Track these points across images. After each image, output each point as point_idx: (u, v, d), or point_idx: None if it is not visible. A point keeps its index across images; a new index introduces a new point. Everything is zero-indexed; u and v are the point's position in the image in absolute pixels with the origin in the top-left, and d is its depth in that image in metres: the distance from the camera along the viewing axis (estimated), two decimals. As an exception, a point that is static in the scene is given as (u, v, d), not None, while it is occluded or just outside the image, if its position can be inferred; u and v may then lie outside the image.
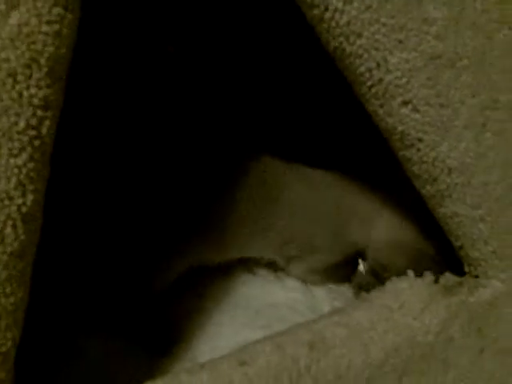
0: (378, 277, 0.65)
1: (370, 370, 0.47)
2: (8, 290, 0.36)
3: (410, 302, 0.50)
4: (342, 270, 0.70)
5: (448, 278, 0.53)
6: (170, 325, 0.64)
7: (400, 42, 0.44)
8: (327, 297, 0.69)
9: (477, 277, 0.52)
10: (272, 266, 0.72)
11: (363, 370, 0.47)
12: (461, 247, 0.52)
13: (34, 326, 0.44)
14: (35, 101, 0.34)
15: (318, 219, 0.67)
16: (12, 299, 0.37)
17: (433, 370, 0.49)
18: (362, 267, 0.68)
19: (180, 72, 0.75)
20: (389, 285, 0.53)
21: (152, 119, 0.69)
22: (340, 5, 0.42)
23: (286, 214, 0.66)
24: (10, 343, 0.37)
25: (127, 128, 0.66)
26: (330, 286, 0.71)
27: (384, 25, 0.43)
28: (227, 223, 0.64)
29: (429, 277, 0.52)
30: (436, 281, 0.52)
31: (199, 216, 0.63)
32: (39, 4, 0.33)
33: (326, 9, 0.42)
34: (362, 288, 0.66)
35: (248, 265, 0.71)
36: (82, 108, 0.60)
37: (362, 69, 0.45)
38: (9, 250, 0.36)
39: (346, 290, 0.70)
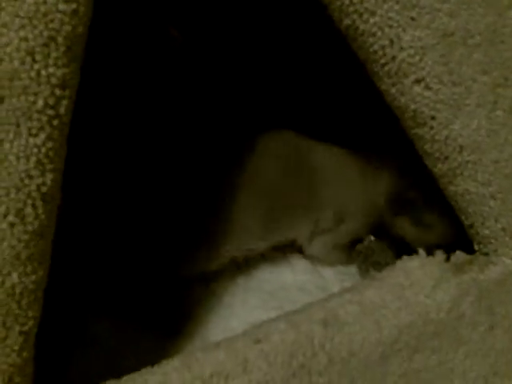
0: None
1: (383, 347, 0.48)
2: (29, 268, 0.37)
3: (422, 280, 0.51)
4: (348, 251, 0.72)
5: (458, 255, 0.53)
6: (181, 308, 0.65)
7: (413, 19, 0.44)
8: (336, 278, 0.69)
9: (487, 254, 0.53)
10: (281, 249, 0.72)
11: (376, 346, 0.47)
12: (471, 225, 0.53)
13: (45, 311, 0.44)
14: (53, 80, 0.35)
15: (347, 185, 0.69)
16: (33, 277, 0.37)
17: (444, 346, 0.50)
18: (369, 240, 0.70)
19: (184, 55, 0.75)
20: (399, 263, 0.53)
21: (159, 105, 0.70)
22: (354, -18, 0.42)
23: (321, 183, 0.67)
24: (31, 322, 0.38)
25: (136, 115, 0.67)
26: (339, 267, 0.71)
27: (397, 2, 0.43)
28: (262, 207, 0.65)
29: (440, 255, 0.53)
30: (447, 259, 0.53)
31: (230, 205, 0.64)
32: (56, -18, 0.33)
33: (340, -14, 0.42)
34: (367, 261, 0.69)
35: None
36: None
37: (376, 47, 0.45)
38: (29, 229, 0.36)
39: (354, 270, 0.70)
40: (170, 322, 0.63)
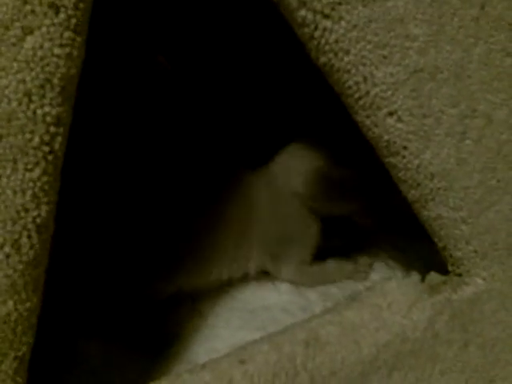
0: None
1: (362, 366, 0.49)
2: (23, 296, 0.38)
3: (399, 300, 0.52)
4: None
5: (433, 276, 0.55)
6: (166, 328, 0.66)
7: (385, 57, 0.46)
8: (319, 299, 0.70)
9: (460, 275, 0.55)
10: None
11: (356, 365, 0.49)
12: (444, 247, 0.55)
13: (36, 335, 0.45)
14: (48, 118, 0.37)
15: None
16: (27, 305, 0.39)
17: (421, 364, 0.52)
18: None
19: (169, 82, 0.77)
20: (377, 285, 0.55)
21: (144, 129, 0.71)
22: (329, 24, 0.44)
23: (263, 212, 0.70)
24: (25, 347, 0.39)
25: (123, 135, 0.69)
26: (321, 288, 0.73)
27: (369, 42, 0.46)
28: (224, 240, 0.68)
29: (415, 276, 0.55)
30: (422, 280, 0.55)
31: (200, 234, 0.66)
32: (52, 29, 0.35)
33: (316, 28, 0.44)
34: None
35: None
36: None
37: (350, 83, 0.47)
38: (24, 258, 0.38)
39: (336, 291, 0.72)
40: (156, 342, 0.64)
